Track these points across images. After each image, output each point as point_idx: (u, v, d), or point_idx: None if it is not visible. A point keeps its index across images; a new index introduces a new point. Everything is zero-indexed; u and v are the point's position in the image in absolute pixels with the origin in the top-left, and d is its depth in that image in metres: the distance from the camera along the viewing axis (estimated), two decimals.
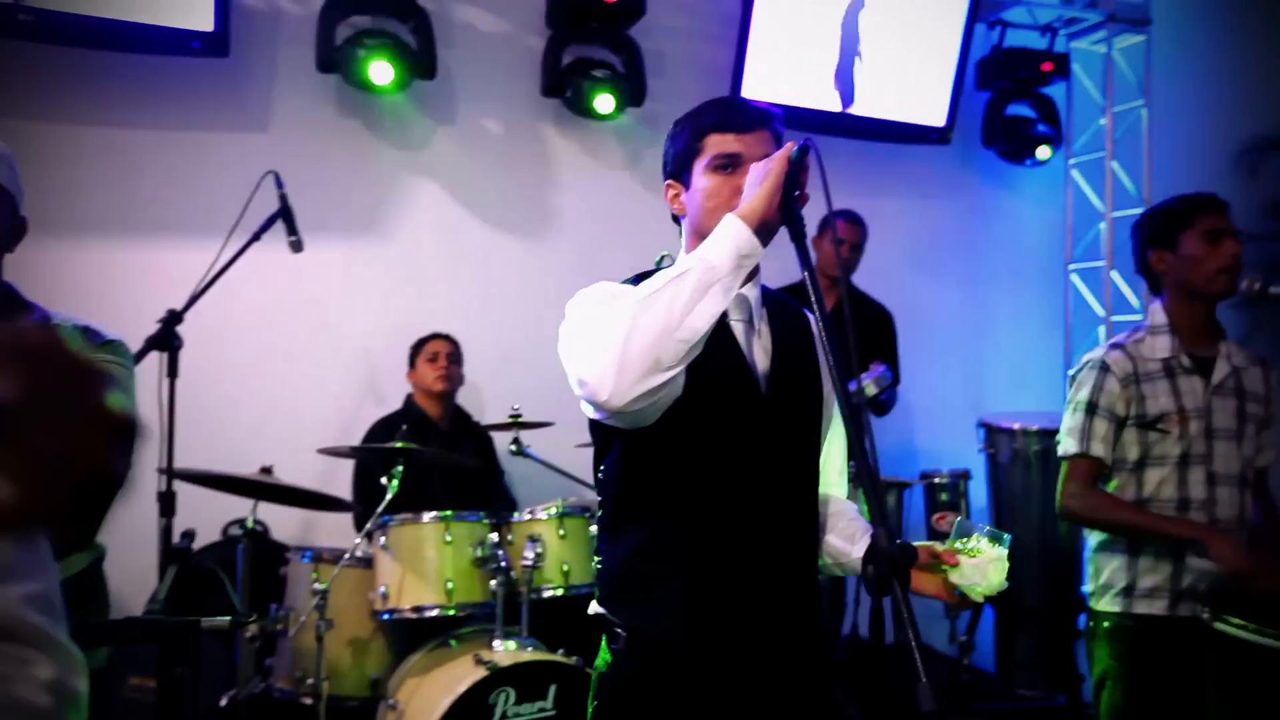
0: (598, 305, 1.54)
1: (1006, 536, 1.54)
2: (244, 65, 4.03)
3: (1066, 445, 2.49)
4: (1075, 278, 5.30)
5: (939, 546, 1.54)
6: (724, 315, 1.63)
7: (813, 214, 1.58)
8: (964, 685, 3.82)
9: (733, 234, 1.46)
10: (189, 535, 2.31)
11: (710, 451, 1.60)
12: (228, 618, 1.69)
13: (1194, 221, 2.43)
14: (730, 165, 1.64)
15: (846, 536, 1.75)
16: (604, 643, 1.65)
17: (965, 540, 1.53)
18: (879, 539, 1.32)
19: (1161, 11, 5.15)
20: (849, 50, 4.57)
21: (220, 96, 4.06)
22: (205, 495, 3.17)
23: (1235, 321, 2.56)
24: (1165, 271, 2.49)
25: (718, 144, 1.65)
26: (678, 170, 1.71)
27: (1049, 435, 3.89)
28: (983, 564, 1.50)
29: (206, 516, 3.35)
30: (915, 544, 1.58)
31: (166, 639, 1.70)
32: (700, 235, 1.69)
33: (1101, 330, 5.11)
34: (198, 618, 1.72)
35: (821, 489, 1.75)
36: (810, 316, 1.72)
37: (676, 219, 1.78)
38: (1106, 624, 2.43)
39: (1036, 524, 3.97)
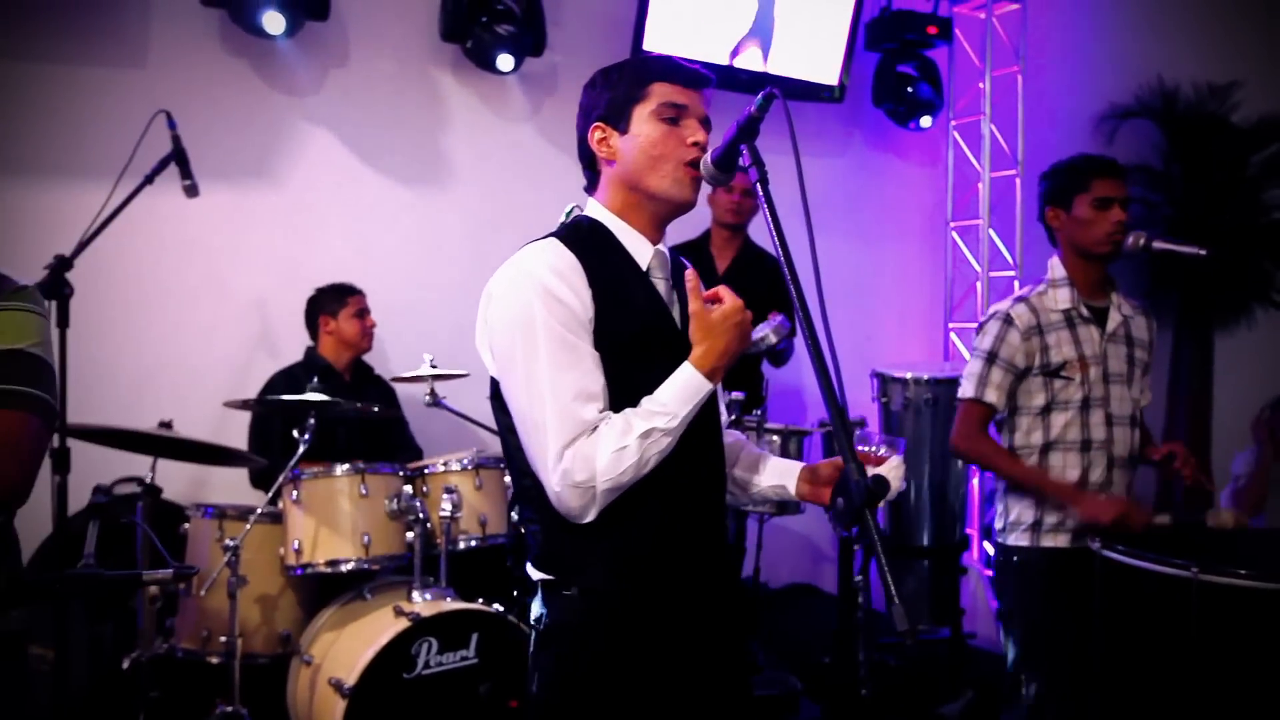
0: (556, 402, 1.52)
1: (901, 442, 1.69)
2: None
3: (964, 389, 2.64)
4: (955, 235, 5.54)
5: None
6: (649, 273, 1.66)
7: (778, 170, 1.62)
8: (858, 623, 3.99)
9: (695, 390, 1.55)
10: (104, 490, 2.20)
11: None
12: (170, 570, 1.63)
13: (1089, 186, 2.58)
14: (677, 118, 1.64)
15: (748, 467, 1.83)
16: (540, 598, 1.63)
17: (870, 449, 1.66)
18: (850, 472, 1.38)
19: None
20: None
21: (93, 26, 3.79)
22: (86, 451, 2.99)
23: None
24: (1058, 229, 2.66)
25: (666, 93, 1.64)
26: (612, 114, 1.65)
27: (938, 384, 4.09)
28: (887, 472, 1.57)
29: (87, 473, 3.16)
30: (821, 462, 1.75)
31: (106, 593, 1.62)
32: (632, 186, 1.65)
33: (979, 285, 5.37)
34: (138, 570, 1.65)
35: None
36: (687, 266, 1.73)
37: (592, 165, 1.71)
38: (1016, 558, 2.59)
39: (926, 469, 4.17)
